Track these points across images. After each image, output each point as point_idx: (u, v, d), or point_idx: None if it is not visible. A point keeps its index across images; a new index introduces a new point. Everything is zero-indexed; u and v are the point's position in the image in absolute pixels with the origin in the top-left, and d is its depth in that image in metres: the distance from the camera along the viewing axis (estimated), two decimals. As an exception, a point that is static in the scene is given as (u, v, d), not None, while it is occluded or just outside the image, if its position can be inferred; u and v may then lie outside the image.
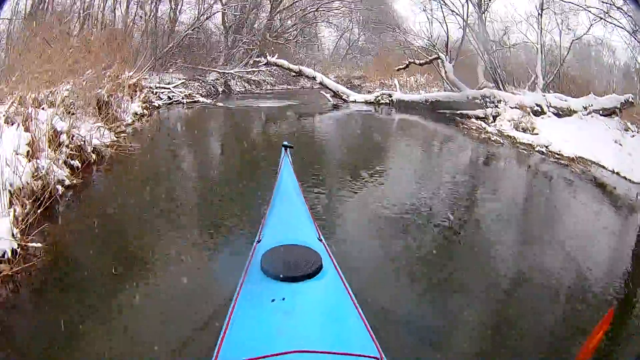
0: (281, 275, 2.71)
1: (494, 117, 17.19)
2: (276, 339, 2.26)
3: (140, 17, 28.40)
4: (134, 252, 5.92)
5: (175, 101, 21.16)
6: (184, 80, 23.14)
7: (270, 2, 33.42)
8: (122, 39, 21.65)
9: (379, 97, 22.50)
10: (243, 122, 18.49)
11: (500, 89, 19.90)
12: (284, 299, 2.54)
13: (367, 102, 22.58)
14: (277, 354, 2.05)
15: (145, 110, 16.87)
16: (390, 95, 22.21)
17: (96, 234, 6.37)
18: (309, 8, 34.90)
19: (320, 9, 35.43)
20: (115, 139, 11.31)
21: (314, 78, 23.64)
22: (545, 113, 17.19)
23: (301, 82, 33.58)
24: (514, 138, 14.94)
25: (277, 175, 4.84)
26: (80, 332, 4.11)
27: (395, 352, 3.38)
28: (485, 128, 16.06)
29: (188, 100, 21.55)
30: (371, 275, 5.20)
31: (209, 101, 22.14)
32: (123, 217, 7.14)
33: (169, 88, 21.37)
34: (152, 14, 28.86)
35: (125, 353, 3.94)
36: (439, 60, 22.37)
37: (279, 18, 34.76)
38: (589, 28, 20.04)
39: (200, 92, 26.42)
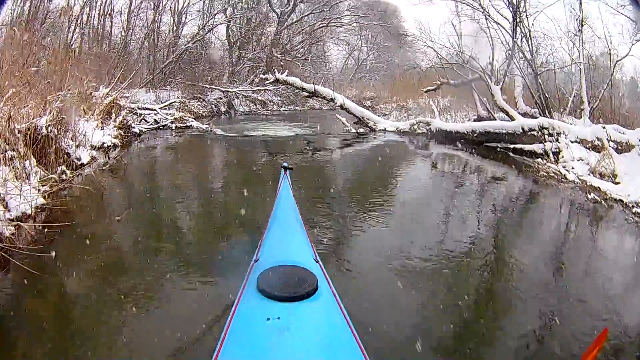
0: (277, 295, 2.56)
1: (555, 154, 12.92)
2: (270, 357, 2.20)
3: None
4: None
5: (163, 126, 16.64)
6: (175, 100, 18.53)
7: (277, 16, 30.32)
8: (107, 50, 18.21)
9: (415, 126, 18.01)
10: (243, 164, 12.82)
11: (546, 117, 15.65)
12: (279, 318, 2.40)
13: (400, 132, 18.23)
14: None
15: (118, 140, 12.51)
16: (428, 124, 17.59)
17: None
18: (318, 23, 31.78)
19: (331, 24, 32.45)
20: (45, 201, 6.69)
21: (332, 100, 19.05)
22: (605, 149, 12.88)
23: (310, 103, 30.83)
24: (599, 190, 10.30)
25: (276, 196, 4.51)
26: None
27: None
28: (564, 175, 11.61)
29: (179, 125, 17.00)
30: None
31: (204, 126, 17.49)
32: None
33: (154, 109, 16.84)
34: (155, 24, 26.00)
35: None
36: (473, 83, 18.31)
37: (286, 33, 31.54)
38: (632, 46, 16.30)
39: (201, 112, 23.97)
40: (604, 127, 13.44)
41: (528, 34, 17.36)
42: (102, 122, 12.23)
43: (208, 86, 26.07)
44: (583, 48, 16.96)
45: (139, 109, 16.01)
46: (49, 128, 8.17)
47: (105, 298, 4.49)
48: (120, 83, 14.10)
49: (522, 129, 14.06)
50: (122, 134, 13.17)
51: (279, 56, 28.96)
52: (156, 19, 26.01)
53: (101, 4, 23.91)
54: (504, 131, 14.55)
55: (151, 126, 16.12)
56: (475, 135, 15.32)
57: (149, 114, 16.41)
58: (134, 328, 4.08)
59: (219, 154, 14.57)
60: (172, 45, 26.46)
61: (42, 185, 7.04)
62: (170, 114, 17.11)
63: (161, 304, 4.54)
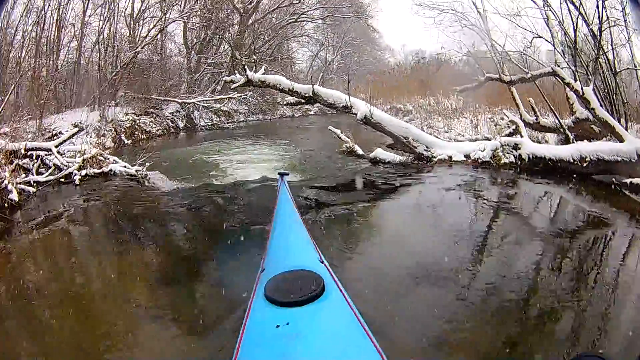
0: (284, 301, 2.45)
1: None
2: None
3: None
4: None
5: (68, 175, 9.03)
6: (76, 130, 11.09)
7: (239, 13, 24.51)
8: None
9: (499, 152, 10.12)
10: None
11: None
12: (288, 323, 2.30)
13: (474, 162, 10.43)
14: None
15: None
16: (515, 147, 10.02)
17: None
18: (287, 18, 25.91)
19: (300, 19, 26.71)
20: None
21: (346, 109, 11.42)
22: None
23: (280, 110, 25.50)
24: None
25: (275, 203, 4.16)
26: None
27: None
28: None
29: (91, 172, 9.31)
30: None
31: (132, 170, 9.64)
32: None
33: (48, 149, 9.04)
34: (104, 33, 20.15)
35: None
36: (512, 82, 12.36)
37: (250, 33, 25.45)
38: None
39: (155, 130, 19.31)
40: None
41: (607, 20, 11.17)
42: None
43: (162, 98, 20.33)
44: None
45: (26, 151, 8.60)
46: None
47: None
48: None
49: (638, 154, 8.55)
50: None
51: (242, 59, 22.42)
52: (104, 26, 20.08)
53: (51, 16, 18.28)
54: (619, 158, 8.72)
55: (50, 177, 8.78)
56: (585, 164, 8.98)
57: (48, 155, 9.09)
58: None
59: (150, 257, 5.94)
60: (121, 54, 20.43)
61: None
62: (80, 151, 9.87)
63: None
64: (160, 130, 19.58)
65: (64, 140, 9.71)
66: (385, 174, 10.03)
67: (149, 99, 19.77)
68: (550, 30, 12.46)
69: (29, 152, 8.65)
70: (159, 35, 21.85)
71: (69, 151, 9.56)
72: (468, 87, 13.22)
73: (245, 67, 11.48)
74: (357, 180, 9.75)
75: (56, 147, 9.03)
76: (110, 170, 9.46)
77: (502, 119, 13.15)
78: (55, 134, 14.15)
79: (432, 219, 7.35)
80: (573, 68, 11.52)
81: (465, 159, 10.50)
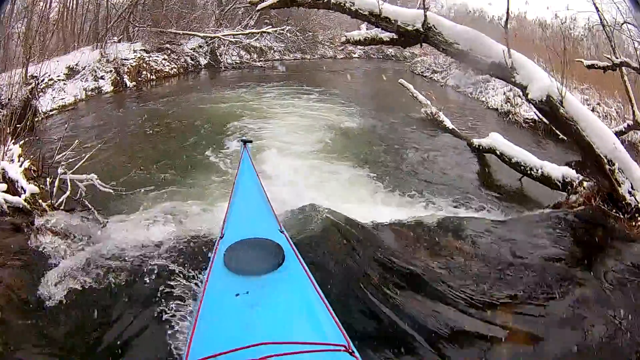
0: (244, 270, 2.34)
1: None
2: (243, 332, 1.97)
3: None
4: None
5: None
6: None
7: None
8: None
9: None
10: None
11: None
12: (247, 292, 2.19)
13: None
14: (245, 347, 1.80)
15: None
16: None
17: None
18: None
19: None
20: None
21: (500, 70, 4.98)
22: None
23: (320, 50, 21.77)
24: None
25: (237, 170, 3.78)
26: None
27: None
28: None
29: None
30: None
31: (22, 197, 4.10)
32: None
33: None
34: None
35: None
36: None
37: None
38: None
39: (167, 70, 15.29)
40: None
41: None
42: None
43: (181, 32, 16.48)
44: None
45: None
46: None
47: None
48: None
49: None
50: None
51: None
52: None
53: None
54: None
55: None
56: None
57: None
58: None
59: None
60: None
61: None
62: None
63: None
64: (175, 69, 15.70)
65: None
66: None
67: (164, 33, 15.96)
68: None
69: None
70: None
71: None
72: (598, 64, 7.92)
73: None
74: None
75: None
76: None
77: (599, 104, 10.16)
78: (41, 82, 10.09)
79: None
80: None
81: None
